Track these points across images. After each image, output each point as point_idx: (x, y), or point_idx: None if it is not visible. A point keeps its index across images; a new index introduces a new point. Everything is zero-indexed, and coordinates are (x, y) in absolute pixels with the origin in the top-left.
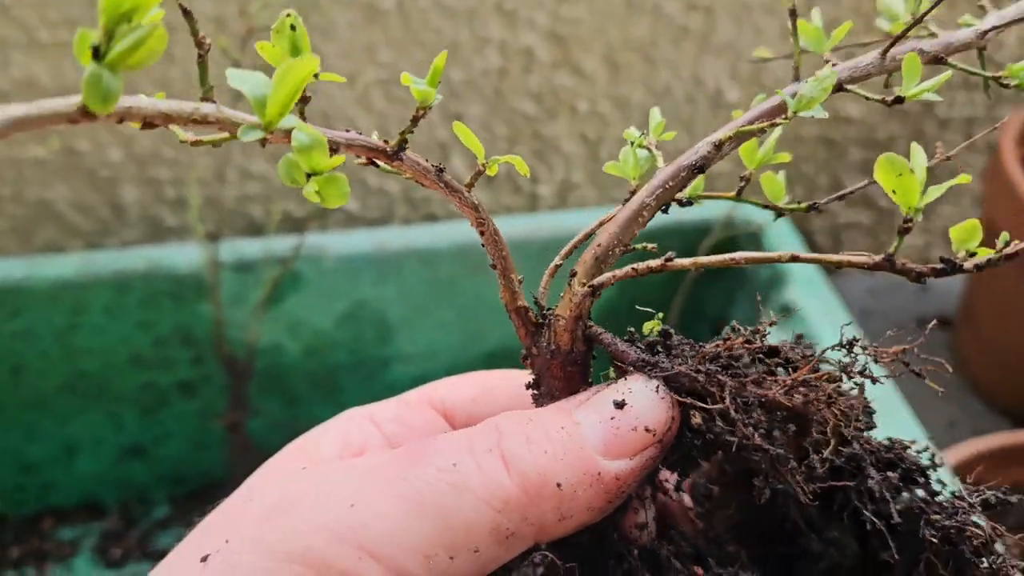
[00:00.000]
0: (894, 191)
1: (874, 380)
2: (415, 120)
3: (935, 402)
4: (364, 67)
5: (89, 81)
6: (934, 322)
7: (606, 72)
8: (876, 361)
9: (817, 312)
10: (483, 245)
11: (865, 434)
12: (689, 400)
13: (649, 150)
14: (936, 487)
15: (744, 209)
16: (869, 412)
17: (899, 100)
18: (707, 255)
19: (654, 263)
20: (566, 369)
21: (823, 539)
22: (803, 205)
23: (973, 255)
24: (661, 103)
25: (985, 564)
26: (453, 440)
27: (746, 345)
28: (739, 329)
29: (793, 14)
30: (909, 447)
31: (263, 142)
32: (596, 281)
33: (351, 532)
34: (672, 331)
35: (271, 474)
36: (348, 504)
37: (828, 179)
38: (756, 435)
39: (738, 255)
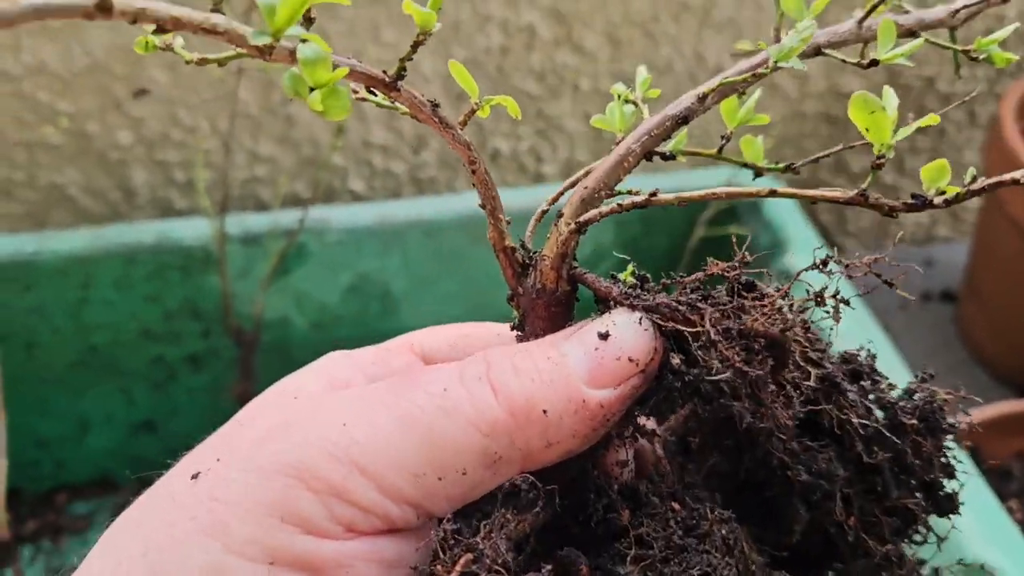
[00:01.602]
0: (867, 128)
1: (847, 302)
2: (415, 46)
3: (942, 374)
4: (368, 46)
5: None
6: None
7: (608, 49)
8: (849, 276)
9: (816, 279)
10: (473, 185)
11: (829, 354)
12: (671, 325)
13: (636, 104)
14: (888, 382)
15: (743, 178)
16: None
17: (874, 63)
18: (706, 225)
19: (638, 198)
20: (550, 309)
21: (811, 471)
22: (780, 165)
23: (943, 193)
24: (663, 80)
25: (953, 423)
26: (444, 369)
27: (726, 272)
28: (717, 263)
29: None
30: (858, 354)
31: (268, 50)
32: (583, 218)
33: (342, 449)
34: (648, 276)
35: (260, 406)
36: (340, 423)
37: (831, 156)
38: (737, 359)
39: (719, 189)
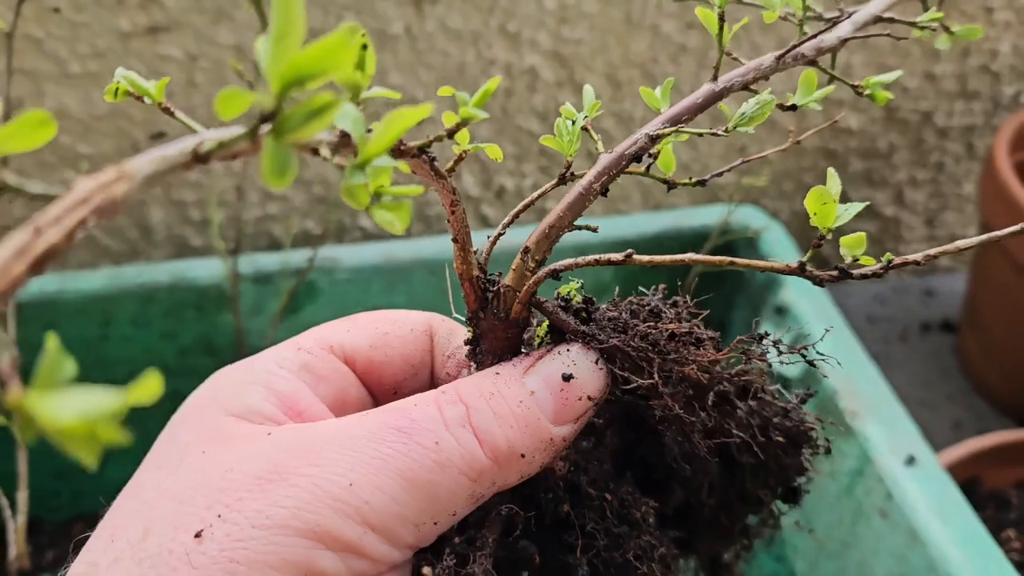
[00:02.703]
0: (815, 214)
1: (767, 363)
2: (450, 133)
3: (942, 404)
4: (375, 89)
5: (269, 155)
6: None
7: (609, 89)
8: (779, 352)
9: (809, 312)
10: (448, 222)
11: (725, 373)
12: (620, 372)
13: (587, 129)
14: (772, 395)
15: (741, 215)
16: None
17: (792, 107)
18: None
19: (615, 256)
20: (508, 332)
21: (693, 468)
22: (692, 181)
23: (858, 263)
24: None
25: (814, 441)
26: (427, 415)
27: (670, 326)
28: (661, 308)
29: (721, 19)
30: (750, 372)
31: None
32: (559, 266)
33: (354, 509)
34: (593, 299)
35: (211, 431)
36: (347, 483)
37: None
38: (678, 407)
39: (687, 256)
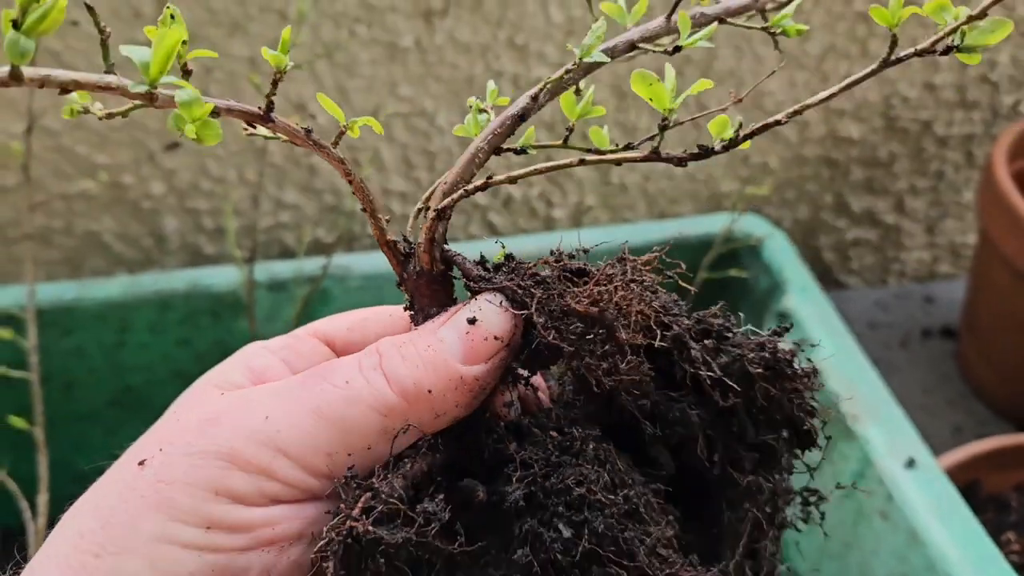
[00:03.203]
0: (651, 98)
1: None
2: (274, 83)
3: (942, 408)
4: (386, 101)
5: (10, 44)
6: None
7: (614, 100)
8: (637, 270)
9: (812, 317)
10: (352, 193)
11: (681, 319)
12: (516, 311)
13: (487, 111)
14: (739, 337)
15: (744, 224)
16: (679, 301)
17: (677, 49)
18: (708, 269)
19: (479, 182)
20: (432, 287)
21: (668, 421)
22: (618, 147)
23: (724, 141)
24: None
25: (797, 369)
26: (345, 363)
27: (554, 263)
28: (555, 252)
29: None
30: (712, 315)
31: (151, 97)
32: (440, 205)
33: (267, 436)
34: (514, 255)
35: (191, 399)
36: (263, 416)
37: (832, 197)
38: (561, 338)
39: (540, 165)
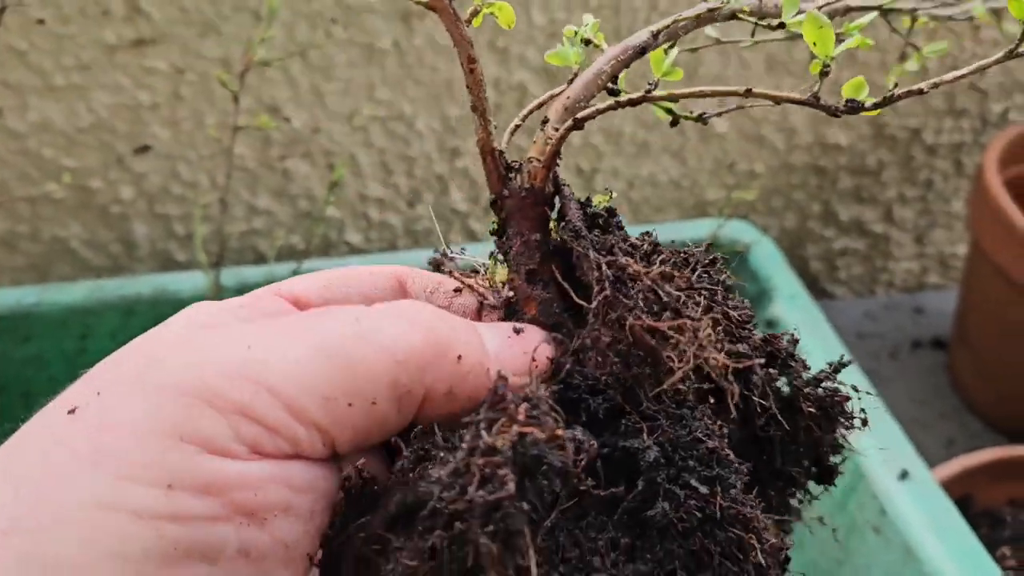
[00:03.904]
0: (815, 43)
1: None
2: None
3: (934, 421)
4: (363, 104)
5: None
6: None
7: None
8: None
9: (801, 325)
10: (468, 87)
11: (752, 337)
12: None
13: (591, 41)
14: (803, 366)
15: (731, 229)
16: (751, 312)
17: (782, 25)
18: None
19: (635, 95)
20: (536, 209)
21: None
22: (694, 115)
23: (873, 101)
24: (651, 134)
25: (849, 413)
26: (356, 307)
27: (647, 252)
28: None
29: None
30: (780, 338)
31: None
32: (580, 115)
33: (248, 368)
34: (616, 211)
35: (131, 347)
36: (244, 346)
37: (820, 205)
38: (613, 365)
39: (708, 88)
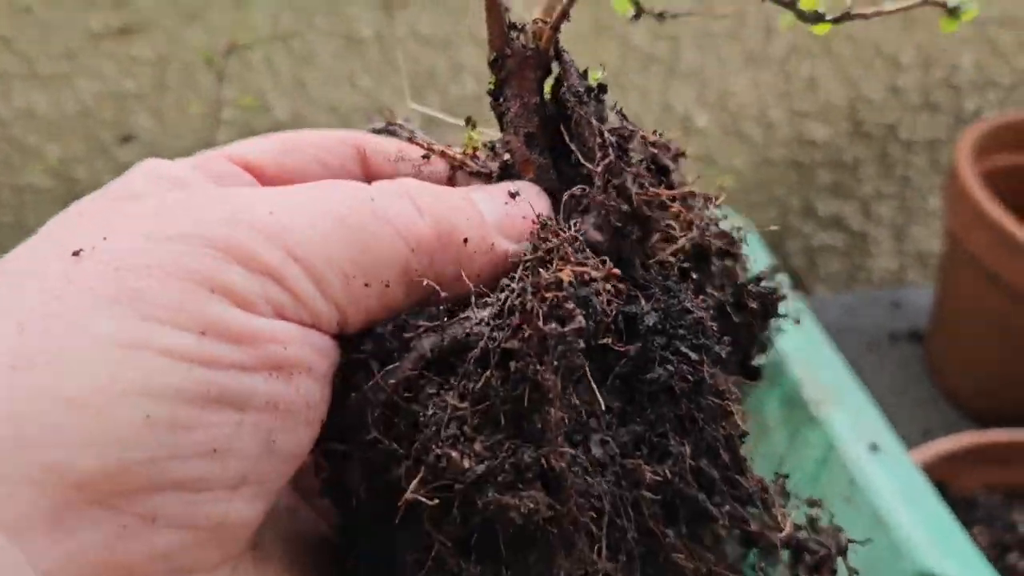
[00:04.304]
0: None
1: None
2: None
3: (911, 411)
4: (345, 94)
5: None
6: None
7: None
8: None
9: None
10: None
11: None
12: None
13: None
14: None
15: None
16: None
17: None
18: None
19: None
20: (537, 72)
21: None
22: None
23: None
24: None
25: (781, 312)
26: (360, 183)
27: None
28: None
29: None
30: (731, 234)
31: None
32: None
33: (275, 233)
34: (606, 87)
35: (113, 200)
36: (265, 210)
37: (799, 201)
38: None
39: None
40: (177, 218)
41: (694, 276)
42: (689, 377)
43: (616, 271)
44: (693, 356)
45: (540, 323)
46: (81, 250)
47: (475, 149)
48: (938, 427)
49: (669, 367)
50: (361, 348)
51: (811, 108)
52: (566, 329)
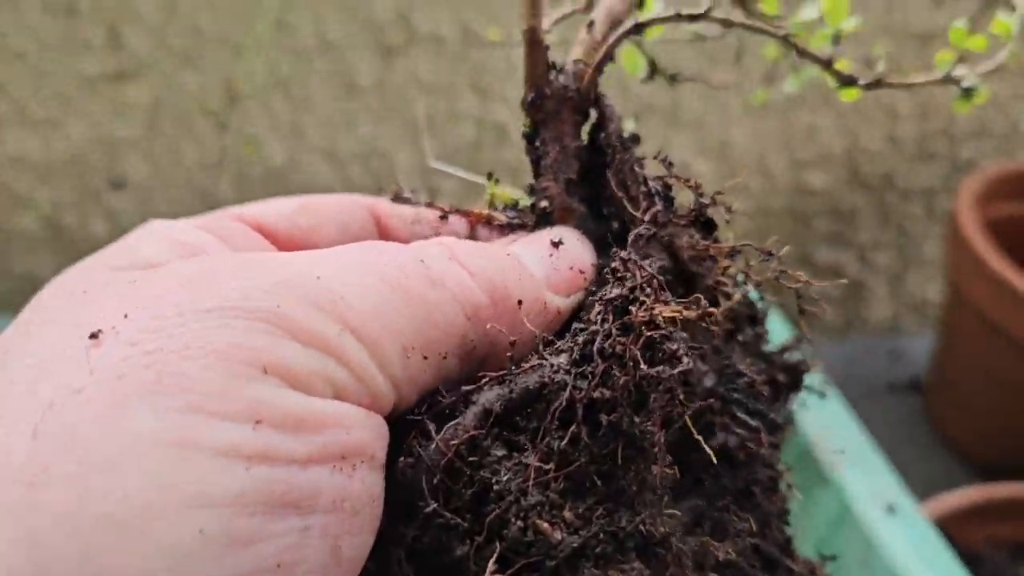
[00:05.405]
0: (828, 12)
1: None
2: None
3: (914, 462)
4: (344, 140)
5: None
6: None
7: None
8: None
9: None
10: None
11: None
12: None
13: None
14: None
15: None
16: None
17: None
18: None
19: (697, 10)
20: (576, 115)
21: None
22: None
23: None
24: None
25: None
26: (399, 244)
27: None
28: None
29: None
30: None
31: None
32: (643, 19)
33: (328, 303)
34: (639, 137)
35: (110, 266)
36: (312, 276)
37: (796, 250)
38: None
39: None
40: (211, 288)
41: (739, 339)
42: (750, 446)
43: (712, 310)
44: (752, 423)
45: (640, 367)
46: (100, 331)
47: (499, 206)
48: (939, 478)
49: (732, 435)
50: (413, 409)
51: (811, 157)
52: (673, 372)
